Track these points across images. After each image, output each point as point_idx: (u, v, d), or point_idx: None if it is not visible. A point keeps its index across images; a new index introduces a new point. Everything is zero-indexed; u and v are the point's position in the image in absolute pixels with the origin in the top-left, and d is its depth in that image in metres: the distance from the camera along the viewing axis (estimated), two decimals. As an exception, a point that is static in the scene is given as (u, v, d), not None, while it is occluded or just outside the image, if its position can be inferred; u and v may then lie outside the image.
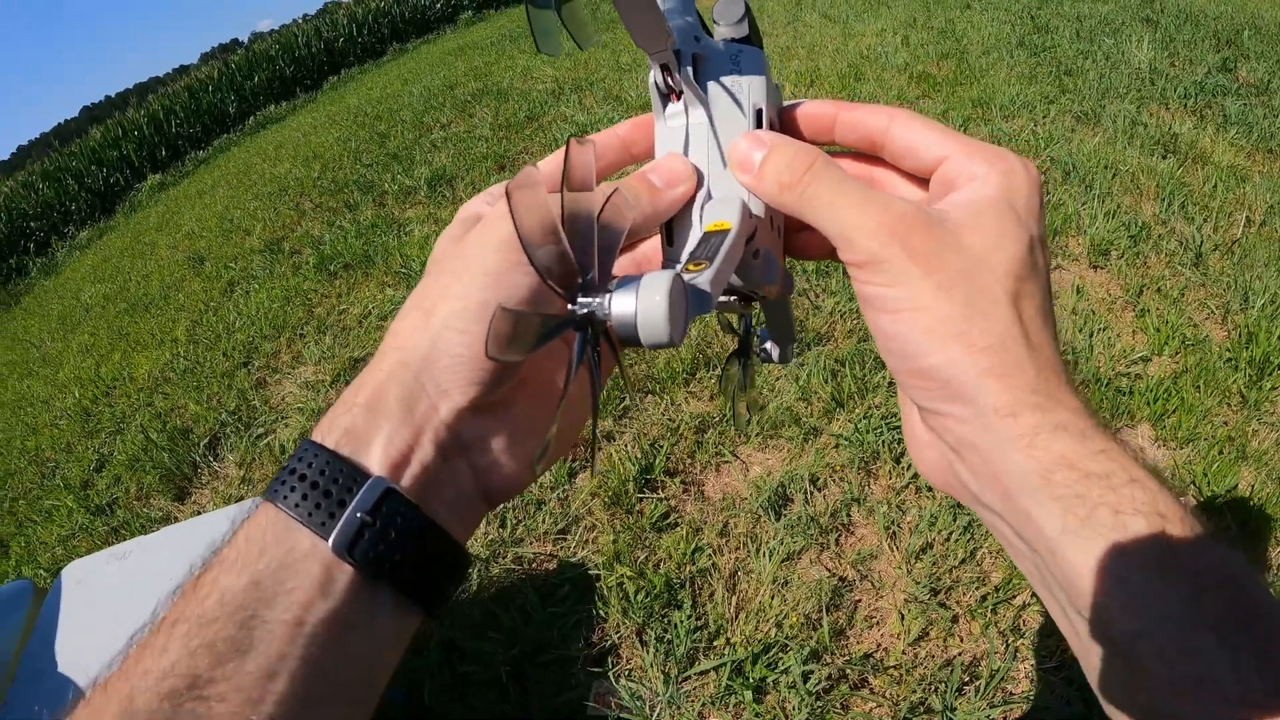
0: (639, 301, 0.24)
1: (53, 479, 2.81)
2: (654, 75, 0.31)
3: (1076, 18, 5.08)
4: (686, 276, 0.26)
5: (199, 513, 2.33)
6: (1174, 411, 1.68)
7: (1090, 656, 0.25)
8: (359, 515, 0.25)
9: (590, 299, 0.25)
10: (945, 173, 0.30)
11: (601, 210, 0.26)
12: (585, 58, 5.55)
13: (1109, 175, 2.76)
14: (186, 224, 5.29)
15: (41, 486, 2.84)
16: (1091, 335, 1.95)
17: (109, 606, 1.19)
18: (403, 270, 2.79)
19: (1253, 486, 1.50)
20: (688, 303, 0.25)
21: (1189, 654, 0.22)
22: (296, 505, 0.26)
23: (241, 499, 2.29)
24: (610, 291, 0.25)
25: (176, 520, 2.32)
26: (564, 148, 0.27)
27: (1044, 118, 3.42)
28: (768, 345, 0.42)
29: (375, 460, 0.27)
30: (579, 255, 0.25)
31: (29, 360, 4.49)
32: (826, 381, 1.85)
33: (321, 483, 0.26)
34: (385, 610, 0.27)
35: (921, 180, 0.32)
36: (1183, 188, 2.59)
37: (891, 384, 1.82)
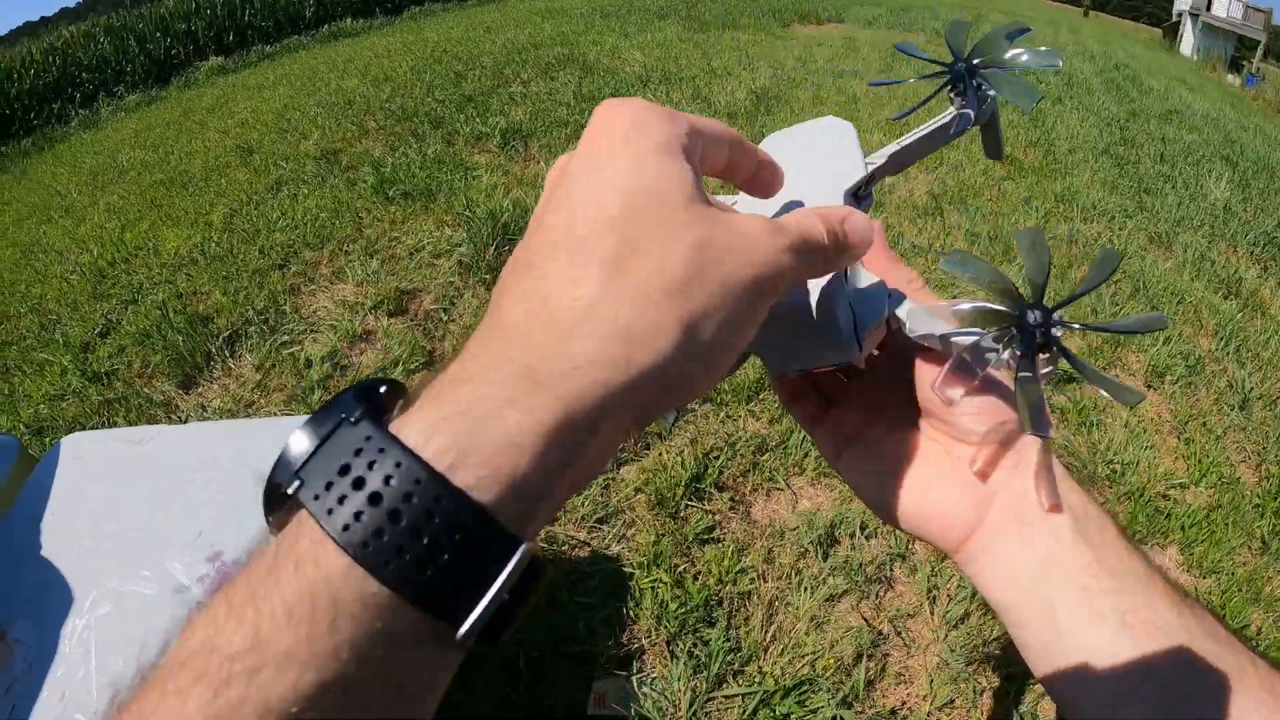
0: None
1: (52, 333, 2.70)
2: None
3: (1162, 139, 5.12)
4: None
5: (203, 405, 2.23)
6: (1203, 542, 1.73)
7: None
8: (504, 596, 0.19)
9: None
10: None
11: None
12: (676, 53, 5.49)
13: (1174, 302, 2.79)
14: (241, 112, 5.17)
15: (38, 337, 2.72)
16: (1139, 451, 2.00)
17: (111, 493, 1.03)
18: (465, 213, 2.70)
19: (1260, 629, 1.55)
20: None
21: None
22: (401, 573, 0.17)
23: (253, 404, 2.20)
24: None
25: (178, 408, 2.22)
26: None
27: (1120, 230, 3.45)
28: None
29: (513, 509, 0.19)
30: None
31: (51, 206, 4.35)
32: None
33: (444, 542, 0.18)
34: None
35: None
36: (1240, 331, 2.65)
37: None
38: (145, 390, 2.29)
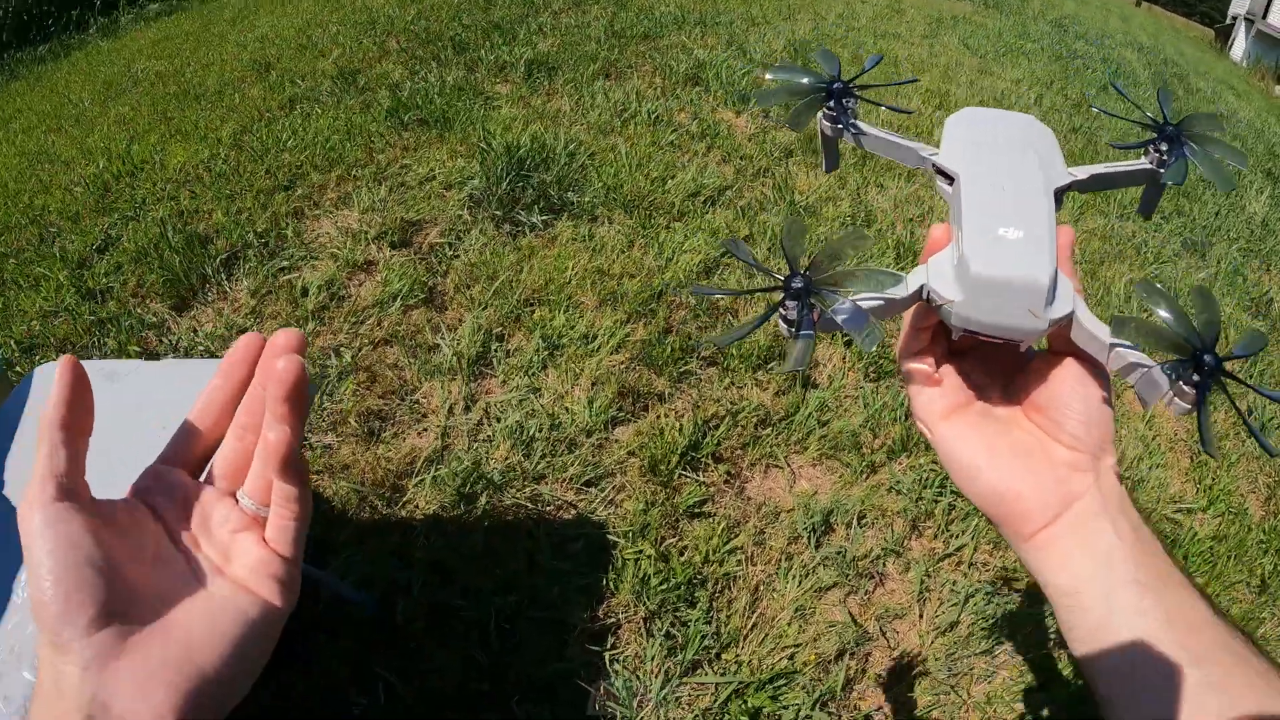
0: None
1: (51, 246, 2.62)
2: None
3: (1205, 145, 4.87)
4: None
5: (195, 330, 2.16)
6: (1204, 575, 1.67)
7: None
8: None
9: None
10: None
11: None
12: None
13: (1205, 314, 2.70)
14: (262, 26, 4.99)
15: (37, 250, 2.64)
16: (1151, 470, 1.93)
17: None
18: (480, 145, 2.57)
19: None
20: None
21: None
22: None
23: (246, 330, 2.12)
24: None
25: (170, 331, 2.16)
26: None
27: (1155, 233, 3.30)
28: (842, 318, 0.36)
29: None
30: None
31: (61, 115, 4.24)
32: (897, 421, 1.68)
33: None
34: None
35: None
36: (1265, 355, 2.51)
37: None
38: (138, 310, 2.22)
